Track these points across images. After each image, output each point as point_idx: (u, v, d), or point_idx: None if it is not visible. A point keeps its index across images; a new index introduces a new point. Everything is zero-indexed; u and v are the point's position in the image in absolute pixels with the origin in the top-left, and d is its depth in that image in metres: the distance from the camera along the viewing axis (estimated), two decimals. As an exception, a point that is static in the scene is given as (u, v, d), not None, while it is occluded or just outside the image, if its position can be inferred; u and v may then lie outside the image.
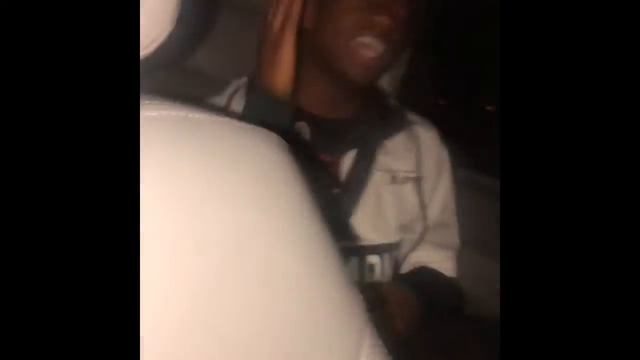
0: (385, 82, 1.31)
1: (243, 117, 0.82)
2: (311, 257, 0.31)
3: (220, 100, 0.94)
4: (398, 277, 1.02)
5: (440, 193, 1.05)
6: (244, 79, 0.96)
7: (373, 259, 0.96)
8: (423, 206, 1.01)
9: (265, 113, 0.81)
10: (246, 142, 0.32)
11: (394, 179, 0.97)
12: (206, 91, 0.95)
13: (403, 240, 1.01)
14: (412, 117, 1.04)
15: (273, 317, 0.28)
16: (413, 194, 0.99)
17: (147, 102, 0.31)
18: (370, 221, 0.94)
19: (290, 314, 0.29)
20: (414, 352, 0.85)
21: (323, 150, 0.93)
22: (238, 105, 0.91)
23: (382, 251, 0.97)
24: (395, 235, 0.98)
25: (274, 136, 0.34)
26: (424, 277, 1.03)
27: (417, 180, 1.00)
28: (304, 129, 0.92)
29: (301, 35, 0.89)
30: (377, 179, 0.95)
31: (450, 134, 1.08)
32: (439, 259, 1.07)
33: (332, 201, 0.91)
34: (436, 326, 0.91)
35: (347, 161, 0.94)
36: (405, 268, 1.06)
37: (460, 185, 1.09)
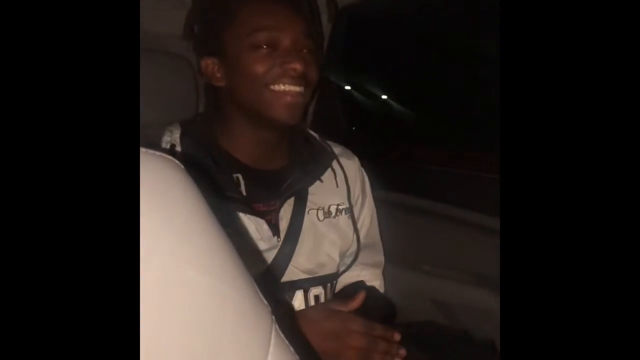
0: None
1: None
2: (212, 267, 0.34)
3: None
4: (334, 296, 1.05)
5: (365, 216, 1.11)
6: (176, 133, 0.96)
7: (317, 290, 1.01)
8: (356, 230, 1.07)
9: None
10: (147, 166, 0.34)
11: (327, 214, 1.02)
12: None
13: (341, 266, 1.06)
14: (335, 149, 1.09)
15: (176, 320, 0.31)
16: (347, 223, 1.05)
17: None
18: (312, 257, 0.98)
19: (194, 316, 0.32)
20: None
21: (259, 200, 0.96)
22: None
23: (325, 281, 1.02)
24: (336, 265, 1.03)
25: (172, 161, 0.37)
26: (356, 291, 1.06)
27: (348, 210, 1.05)
28: (239, 180, 0.95)
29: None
30: (312, 218, 0.99)
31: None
32: (369, 277, 1.13)
33: (274, 248, 0.94)
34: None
35: (285, 209, 0.97)
36: (338, 288, 1.10)
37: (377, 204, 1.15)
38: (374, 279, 1.13)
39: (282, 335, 0.37)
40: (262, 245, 0.93)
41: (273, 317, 0.37)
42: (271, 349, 0.35)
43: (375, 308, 1.04)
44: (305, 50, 0.93)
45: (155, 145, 0.95)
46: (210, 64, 0.95)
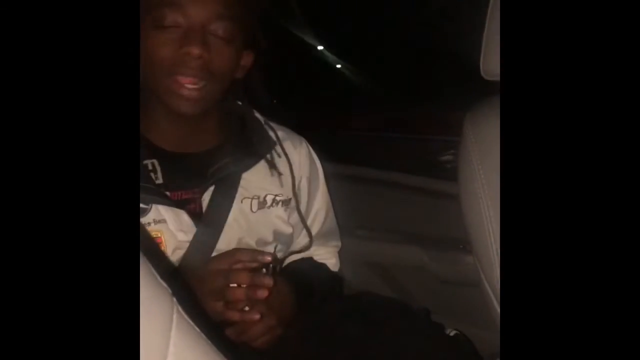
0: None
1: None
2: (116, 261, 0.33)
3: None
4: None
5: (320, 207, 1.05)
6: None
7: None
8: (305, 225, 1.01)
9: None
10: None
11: (262, 204, 0.94)
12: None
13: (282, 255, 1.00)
14: (280, 133, 1.00)
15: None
16: (283, 214, 0.97)
17: None
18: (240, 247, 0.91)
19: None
20: (295, 334, 0.88)
21: (180, 187, 0.88)
22: None
23: None
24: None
25: None
26: (302, 265, 1.04)
27: (287, 201, 0.98)
28: (154, 166, 0.86)
29: None
30: (243, 208, 0.91)
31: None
32: (324, 255, 1.10)
33: (193, 239, 0.87)
34: (315, 308, 0.95)
35: (207, 196, 0.89)
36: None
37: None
38: (329, 257, 1.10)
39: (186, 316, 0.37)
40: (182, 236, 0.85)
41: (174, 299, 0.36)
42: (173, 331, 0.34)
43: (322, 285, 1.02)
44: (216, 34, 0.82)
45: None
46: None
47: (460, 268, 1.30)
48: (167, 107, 0.85)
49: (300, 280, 0.95)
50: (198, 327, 0.37)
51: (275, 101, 1.83)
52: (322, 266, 1.09)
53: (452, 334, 0.93)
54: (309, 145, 1.05)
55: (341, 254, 1.13)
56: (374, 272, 1.49)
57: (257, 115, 1.01)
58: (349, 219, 1.48)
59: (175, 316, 0.35)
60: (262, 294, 0.79)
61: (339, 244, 1.13)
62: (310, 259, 1.08)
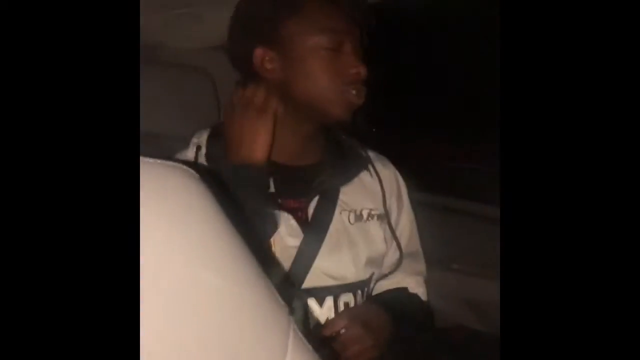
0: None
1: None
2: (228, 269, 0.35)
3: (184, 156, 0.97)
4: (371, 299, 1.05)
5: (404, 226, 1.09)
6: (204, 135, 0.99)
7: (347, 297, 0.99)
8: (395, 239, 1.05)
9: (245, 182, 0.89)
10: (160, 177, 0.36)
11: (358, 218, 1.01)
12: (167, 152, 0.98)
13: (373, 274, 1.04)
14: (370, 154, 1.08)
15: (194, 322, 0.32)
16: (379, 230, 1.03)
17: None
18: (340, 260, 0.97)
19: (211, 318, 0.32)
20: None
21: (289, 196, 0.97)
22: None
23: (355, 288, 1.00)
24: (366, 272, 1.01)
25: (186, 170, 0.38)
26: (396, 295, 1.07)
27: (382, 216, 1.04)
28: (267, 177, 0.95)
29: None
30: (343, 219, 0.99)
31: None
32: (412, 285, 1.11)
33: (301, 244, 0.94)
34: (406, 340, 0.94)
35: (313, 206, 0.97)
36: (377, 293, 1.08)
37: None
38: (416, 287, 1.11)
39: (301, 335, 0.38)
40: (290, 242, 0.94)
41: (291, 317, 0.37)
42: (289, 348, 0.35)
43: (416, 316, 1.04)
44: (361, 51, 0.96)
45: (175, 157, 0.97)
46: (263, 53, 0.94)
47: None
48: (323, 116, 0.96)
49: (394, 307, 0.97)
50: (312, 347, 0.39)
51: (374, 129, 1.86)
52: (414, 296, 1.10)
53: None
54: (394, 167, 1.12)
55: (435, 287, 1.12)
56: (467, 306, 1.46)
57: (347, 137, 1.09)
58: (445, 252, 1.46)
59: (291, 334, 0.36)
60: None
61: (424, 269, 1.14)
62: (404, 288, 1.09)
